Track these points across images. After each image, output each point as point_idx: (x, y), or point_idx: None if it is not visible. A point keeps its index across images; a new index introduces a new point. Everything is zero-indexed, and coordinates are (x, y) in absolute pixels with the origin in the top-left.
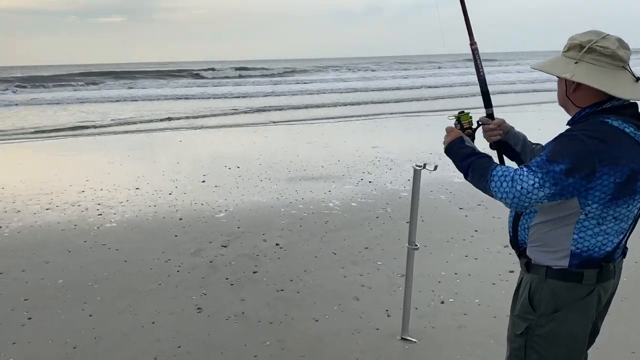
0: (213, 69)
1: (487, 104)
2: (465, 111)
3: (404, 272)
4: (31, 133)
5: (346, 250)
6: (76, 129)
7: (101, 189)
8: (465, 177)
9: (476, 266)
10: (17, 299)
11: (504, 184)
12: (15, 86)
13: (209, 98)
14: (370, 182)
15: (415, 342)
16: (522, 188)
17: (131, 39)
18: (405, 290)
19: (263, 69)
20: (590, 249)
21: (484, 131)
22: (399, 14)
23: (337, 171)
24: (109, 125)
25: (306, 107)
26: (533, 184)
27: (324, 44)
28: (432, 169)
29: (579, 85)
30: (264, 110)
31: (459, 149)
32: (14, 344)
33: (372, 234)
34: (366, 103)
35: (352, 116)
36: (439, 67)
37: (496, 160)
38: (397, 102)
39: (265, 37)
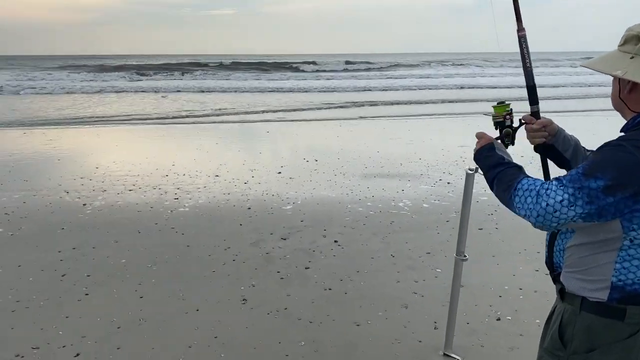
0: (314, 63)
1: (533, 100)
2: (505, 102)
3: (463, 282)
4: (133, 118)
5: (405, 254)
6: (176, 117)
7: (183, 174)
8: (491, 189)
9: (545, 283)
10: (81, 274)
11: (528, 199)
12: (131, 74)
13: (304, 91)
14: (448, 183)
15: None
16: (547, 205)
17: (240, 31)
18: (450, 303)
19: (367, 62)
20: (635, 282)
21: (527, 131)
22: (511, 9)
23: (416, 170)
24: (203, 115)
25: (397, 103)
26: (561, 201)
27: (433, 38)
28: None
29: (635, 84)
30: (356, 105)
31: (487, 158)
32: (66, 317)
33: (438, 239)
34: (464, 101)
35: (443, 114)
36: (557, 66)
37: (539, 167)
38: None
39: (373, 31)
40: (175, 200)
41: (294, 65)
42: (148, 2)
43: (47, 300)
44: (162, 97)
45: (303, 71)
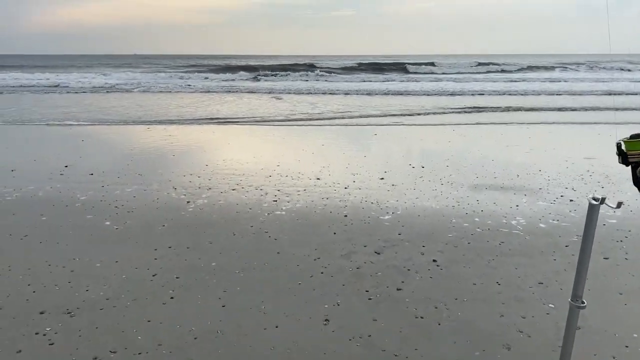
0: (432, 64)
1: None
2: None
3: (581, 324)
4: (247, 118)
5: (514, 282)
6: (286, 120)
7: (286, 176)
8: None
9: None
10: (170, 275)
11: None
12: (258, 74)
13: (422, 95)
14: (571, 200)
15: None
16: None
17: (359, 32)
18: (561, 355)
19: (493, 64)
20: None
21: None
22: None
23: (534, 183)
24: (311, 119)
25: (518, 109)
26: None
27: (564, 39)
28: (615, 206)
29: None
30: (474, 110)
31: None
32: (148, 321)
33: (553, 267)
34: (594, 109)
35: (571, 123)
36: None
37: None
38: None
39: (502, 31)
40: (274, 202)
41: (413, 66)
42: (272, 3)
43: (134, 300)
44: (276, 98)
45: (418, 73)
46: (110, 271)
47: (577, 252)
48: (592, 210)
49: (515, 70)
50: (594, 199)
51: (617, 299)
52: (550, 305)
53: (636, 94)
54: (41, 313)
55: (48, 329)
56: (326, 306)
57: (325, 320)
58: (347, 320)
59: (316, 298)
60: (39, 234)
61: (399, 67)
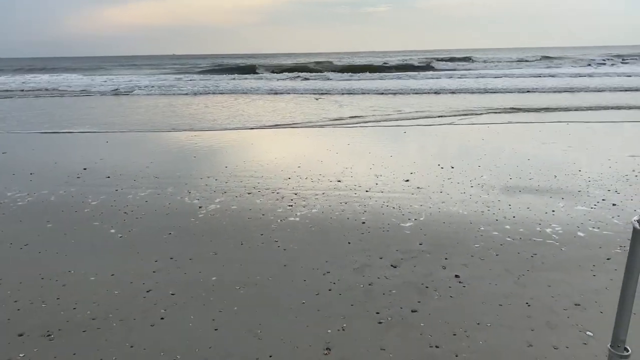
0: (469, 59)
1: None
2: None
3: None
4: (269, 119)
5: (546, 303)
6: (315, 121)
7: (305, 178)
8: None
9: None
10: (165, 291)
11: None
12: (296, 77)
13: (453, 92)
14: (614, 204)
15: None
16: None
17: (394, 28)
18: None
19: (546, 58)
20: None
21: None
22: None
23: (573, 184)
24: (341, 118)
25: (557, 109)
26: None
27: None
28: None
29: None
30: (512, 111)
31: None
32: (131, 347)
33: (593, 285)
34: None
35: (617, 121)
36: None
37: None
38: None
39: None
40: (289, 207)
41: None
42: (306, 2)
43: (121, 321)
44: (317, 99)
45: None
46: (104, 286)
47: (620, 266)
48: (638, 237)
49: (559, 65)
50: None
51: None
52: (588, 333)
53: None
54: (19, 335)
55: (22, 355)
56: (329, 331)
57: (327, 349)
58: (351, 350)
59: (320, 321)
60: (40, 243)
61: (428, 64)
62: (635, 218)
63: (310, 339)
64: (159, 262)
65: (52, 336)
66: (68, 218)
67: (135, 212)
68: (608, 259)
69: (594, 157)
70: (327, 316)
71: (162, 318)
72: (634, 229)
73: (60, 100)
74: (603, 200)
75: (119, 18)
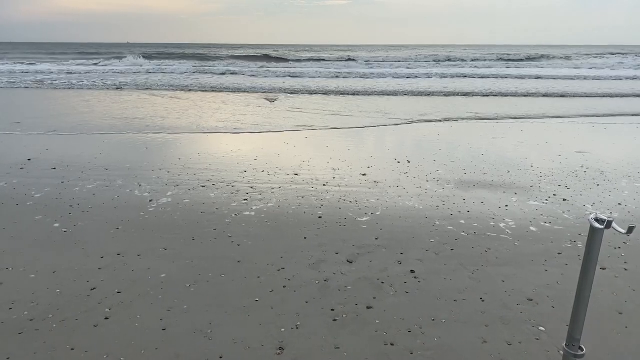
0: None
1: None
2: None
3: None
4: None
5: (500, 298)
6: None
7: (262, 171)
8: None
9: None
10: (111, 289)
11: None
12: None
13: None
14: (564, 200)
15: None
16: None
17: (352, 21)
18: None
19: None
20: None
21: None
22: None
23: (525, 180)
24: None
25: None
26: None
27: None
28: (625, 232)
29: None
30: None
31: None
32: (72, 349)
33: (545, 279)
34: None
35: (572, 116)
36: None
37: None
38: None
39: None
40: (244, 201)
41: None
42: None
43: (62, 322)
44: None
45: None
46: (44, 284)
47: (572, 262)
48: (595, 235)
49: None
50: (597, 220)
51: (616, 319)
52: (540, 328)
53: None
54: None
55: None
56: (283, 330)
57: (279, 349)
58: (304, 349)
59: (273, 319)
60: None
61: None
62: (592, 216)
63: (263, 339)
64: (105, 259)
65: None
66: (8, 212)
67: (81, 206)
68: (559, 253)
69: (545, 153)
70: (280, 314)
71: (106, 318)
72: (591, 226)
73: None
74: (554, 195)
75: (72, 3)
